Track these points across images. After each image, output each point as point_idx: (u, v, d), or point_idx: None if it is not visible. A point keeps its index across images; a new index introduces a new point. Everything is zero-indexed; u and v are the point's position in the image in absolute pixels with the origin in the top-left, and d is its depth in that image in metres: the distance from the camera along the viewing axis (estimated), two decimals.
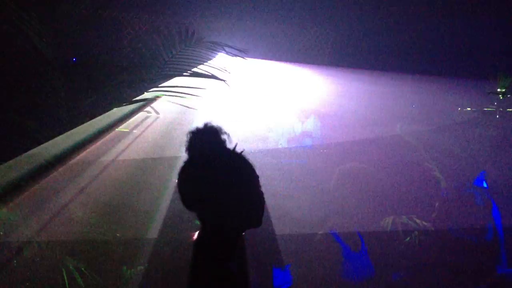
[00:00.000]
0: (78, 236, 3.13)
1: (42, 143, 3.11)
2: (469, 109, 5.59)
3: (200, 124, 2.05)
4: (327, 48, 7.46)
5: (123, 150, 4.04)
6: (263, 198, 2.03)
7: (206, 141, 1.95)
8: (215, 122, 2.05)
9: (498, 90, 5.39)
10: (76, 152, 3.55)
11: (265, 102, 6.97)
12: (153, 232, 3.41)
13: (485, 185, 4.14)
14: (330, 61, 7.21)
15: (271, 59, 6.46)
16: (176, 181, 1.97)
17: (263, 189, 2.10)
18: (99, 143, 3.93)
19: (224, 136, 1.98)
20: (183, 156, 2.04)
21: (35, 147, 3.09)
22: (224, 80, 3.87)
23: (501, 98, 5.36)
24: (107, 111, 3.57)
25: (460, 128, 5.46)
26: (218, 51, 4.25)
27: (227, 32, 6.69)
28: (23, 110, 3.12)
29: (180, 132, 4.88)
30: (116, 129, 4.30)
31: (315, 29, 7.20)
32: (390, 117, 6.09)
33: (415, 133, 5.54)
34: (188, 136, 1.97)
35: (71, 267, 2.94)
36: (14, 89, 3.12)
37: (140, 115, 4.80)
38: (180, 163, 2.08)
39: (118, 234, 3.26)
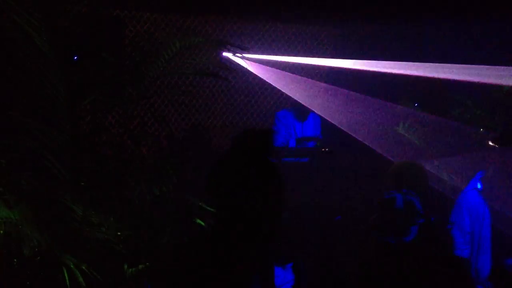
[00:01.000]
0: (79, 235, 3.12)
1: (41, 140, 3.10)
2: None
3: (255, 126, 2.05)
4: (330, 44, 7.46)
5: None
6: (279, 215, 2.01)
7: (257, 142, 1.96)
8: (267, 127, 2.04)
9: None
10: None
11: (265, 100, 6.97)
12: (154, 230, 3.40)
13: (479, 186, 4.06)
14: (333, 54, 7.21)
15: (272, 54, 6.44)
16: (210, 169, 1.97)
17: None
18: None
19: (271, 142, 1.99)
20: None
21: (34, 144, 3.08)
22: (226, 79, 3.88)
23: None
24: (109, 109, 3.55)
25: None
26: (221, 49, 4.24)
27: (230, 30, 6.69)
28: (21, 107, 3.11)
29: None
30: None
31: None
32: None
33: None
34: (242, 133, 1.98)
35: (71, 266, 2.93)
36: (12, 86, 3.11)
37: None
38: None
39: (119, 233, 3.25)
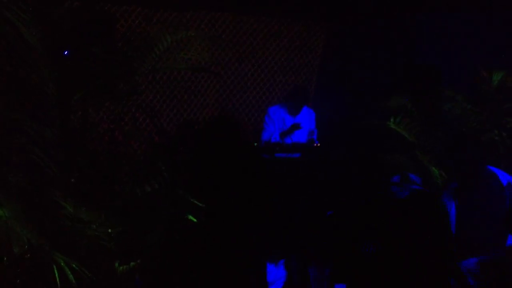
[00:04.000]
0: (69, 232, 3.09)
1: (30, 136, 3.06)
2: None
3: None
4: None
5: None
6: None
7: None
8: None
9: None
10: None
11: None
12: (145, 226, 3.38)
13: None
14: None
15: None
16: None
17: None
18: None
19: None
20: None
21: (23, 140, 3.03)
22: (217, 73, 3.86)
23: None
24: (99, 105, 3.51)
25: None
26: (213, 45, 4.22)
27: (222, 25, 6.65)
28: (9, 102, 3.07)
29: None
30: None
31: None
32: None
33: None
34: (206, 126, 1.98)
35: (62, 264, 2.90)
36: (1, 81, 3.07)
37: None
38: None
39: (110, 230, 3.22)
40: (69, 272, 2.89)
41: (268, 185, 2.03)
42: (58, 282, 2.86)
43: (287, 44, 7.06)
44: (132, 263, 3.24)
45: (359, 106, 6.37)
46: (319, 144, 5.98)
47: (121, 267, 3.21)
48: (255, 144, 5.69)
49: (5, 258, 2.94)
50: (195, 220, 3.47)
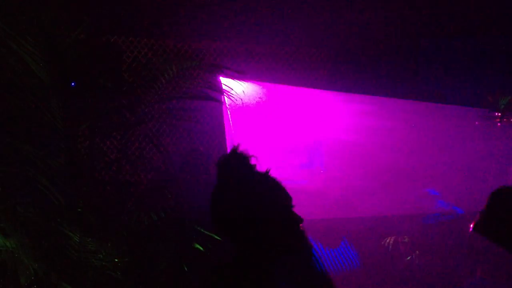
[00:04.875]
0: (76, 263, 3.09)
1: (38, 167, 3.08)
2: None
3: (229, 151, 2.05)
4: (325, 71, 7.48)
5: None
6: (297, 222, 2.00)
7: (238, 166, 1.96)
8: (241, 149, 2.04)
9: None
10: None
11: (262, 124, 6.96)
12: (152, 256, 3.36)
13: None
14: (328, 85, 7.22)
15: (269, 81, 6.48)
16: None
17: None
18: None
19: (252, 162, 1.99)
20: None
21: (31, 171, 3.06)
22: (220, 101, 3.88)
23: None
24: (106, 134, 3.54)
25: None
26: (217, 73, 4.26)
27: (227, 54, 6.71)
28: (19, 134, 3.10)
29: None
30: None
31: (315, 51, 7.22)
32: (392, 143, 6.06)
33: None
34: (220, 162, 1.98)
35: None
36: (9, 113, 3.10)
37: None
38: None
39: (116, 259, 3.21)
40: None
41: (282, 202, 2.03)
42: None
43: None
44: None
45: None
46: (323, 171, 5.97)
47: None
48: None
49: None
50: (202, 248, 3.46)
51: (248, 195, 1.89)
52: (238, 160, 1.95)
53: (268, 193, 1.94)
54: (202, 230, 3.45)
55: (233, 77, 4.55)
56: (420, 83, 7.13)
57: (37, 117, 3.15)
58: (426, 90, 6.58)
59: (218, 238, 3.05)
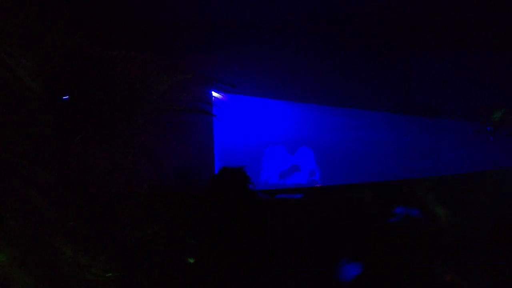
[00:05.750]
0: (68, 277, 3.04)
1: (29, 180, 3.04)
2: None
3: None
4: (321, 88, 7.49)
5: None
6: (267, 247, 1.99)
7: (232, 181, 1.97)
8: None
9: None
10: None
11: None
12: (145, 269, 3.32)
13: None
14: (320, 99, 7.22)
15: (262, 96, 6.49)
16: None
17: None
18: None
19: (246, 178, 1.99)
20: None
21: (22, 184, 3.02)
22: (214, 115, 3.89)
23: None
24: (99, 147, 3.51)
25: None
26: (209, 86, 4.26)
27: (220, 68, 6.70)
28: (10, 146, 3.06)
29: None
30: None
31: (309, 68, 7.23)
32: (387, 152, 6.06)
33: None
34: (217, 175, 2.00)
35: None
36: (1, 125, 3.07)
37: None
38: None
39: (109, 274, 3.17)
40: None
41: (267, 227, 2.01)
42: None
43: None
44: None
45: None
46: (321, 184, 5.92)
47: None
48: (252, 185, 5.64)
49: None
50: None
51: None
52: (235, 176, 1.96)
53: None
54: (195, 243, 3.41)
55: (226, 91, 4.58)
56: (412, 97, 7.15)
57: (28, 129, 3.11)
58: (418, 104, 6.59)
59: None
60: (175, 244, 3.51)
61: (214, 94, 5.25)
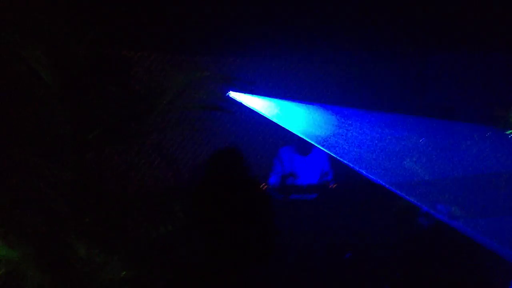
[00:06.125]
0: (82, 275, 3.01)
1: (44, 177, 3.02)
2: None
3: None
4: (334, 86, 7.43)
5: None
6: (272, 235, 1.93)
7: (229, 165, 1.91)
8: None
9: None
10: None
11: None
12: (160, 269, 3.29)
13: None
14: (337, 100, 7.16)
15: (278, 96, 6.44)
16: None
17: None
18: None
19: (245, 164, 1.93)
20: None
21: (37, 182, 3.00)
22: (230, 111, 3.84)
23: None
24: (115, 145, 3.49)
25: None
26: (225, 85, 4.23)
27: (236, 68, 6.67)
28: (23, 144, 3.05)
29: None
30: None
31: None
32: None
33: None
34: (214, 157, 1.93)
35: None
36: (18, 123, 3.05)
37: None
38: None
39: (124, 272, 3.14)
40: None
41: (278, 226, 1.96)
42: None
43: None
44: None
45: None
46: (335, 185, 5.86)
47: None
48: (264, 185, 5.59)
49: None
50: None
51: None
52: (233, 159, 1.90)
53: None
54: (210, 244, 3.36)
55: (244, 90, 4.55)
56: (429, 99, 7.09)
57: (44, 127, 3.10)
58: (436, 105, 6.53)
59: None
60: (190, 244, 3.47)
61: (231, 93, 5.23)
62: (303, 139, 5.96)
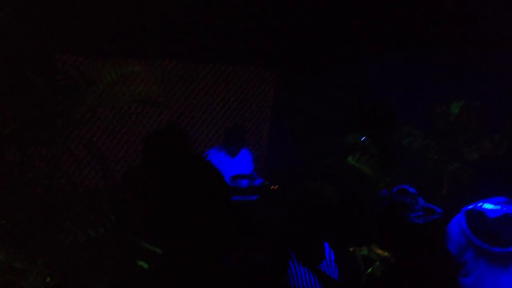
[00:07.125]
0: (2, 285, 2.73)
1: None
2: None
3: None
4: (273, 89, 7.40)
5: None
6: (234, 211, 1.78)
7: (168, 144, 1.73)
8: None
9: None
10: None
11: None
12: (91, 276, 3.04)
13: None
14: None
15: None
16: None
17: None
18: None
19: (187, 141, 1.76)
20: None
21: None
22: (164, 106, 3.69)
23: None
24: (37, 140, 3.24)
25: None
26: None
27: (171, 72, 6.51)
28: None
29: None
30: None
31: None
32: None
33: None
34: (148, 137, 1.75)
35: None
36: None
37: None
38: None
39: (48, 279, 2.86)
40: None
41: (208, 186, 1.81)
42: None
43: (240, 86, 6.98)
44: None
45: (315, 146, 6.28)
46: (276, 187, 5.80)
47: None
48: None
49: None
50: (146, 266, 3.17)
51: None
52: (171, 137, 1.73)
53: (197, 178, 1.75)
54: (147, 246, 3.16)
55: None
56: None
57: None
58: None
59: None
60: (125, 247, 3.24)
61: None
62: (229, 139, 5.92)
